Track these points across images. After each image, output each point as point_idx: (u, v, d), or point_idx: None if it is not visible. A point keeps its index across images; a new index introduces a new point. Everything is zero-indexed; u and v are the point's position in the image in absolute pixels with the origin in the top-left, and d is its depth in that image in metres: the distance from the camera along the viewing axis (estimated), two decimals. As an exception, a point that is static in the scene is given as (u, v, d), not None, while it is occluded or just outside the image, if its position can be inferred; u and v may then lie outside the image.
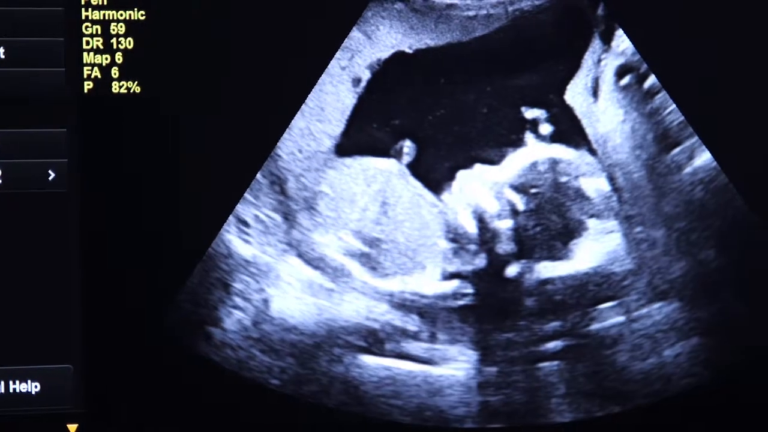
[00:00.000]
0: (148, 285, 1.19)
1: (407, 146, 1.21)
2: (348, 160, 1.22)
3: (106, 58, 1.17)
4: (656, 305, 1.22)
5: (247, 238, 1.21)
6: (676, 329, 1.22)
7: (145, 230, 1.19)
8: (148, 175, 1.18)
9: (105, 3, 1.17)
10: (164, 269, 1.19)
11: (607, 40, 1.22)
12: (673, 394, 1.22)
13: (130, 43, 1.18)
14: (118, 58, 1.18)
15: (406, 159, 1.22)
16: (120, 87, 1.18)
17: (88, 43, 1.17)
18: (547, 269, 1.22)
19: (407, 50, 1.22)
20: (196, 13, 1.17)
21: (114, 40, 1.18)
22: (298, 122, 1.21)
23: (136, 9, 1.17)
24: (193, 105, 1.18)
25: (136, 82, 1.18)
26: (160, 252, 1.19)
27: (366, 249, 1.22)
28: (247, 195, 1.21)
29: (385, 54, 1.22)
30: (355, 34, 1.21)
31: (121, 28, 1.18)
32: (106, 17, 1.17)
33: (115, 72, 1.17)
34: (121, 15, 1.17)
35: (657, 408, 1.23)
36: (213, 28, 1.18)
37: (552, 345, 1.22)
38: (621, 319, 1.22)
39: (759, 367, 1.22)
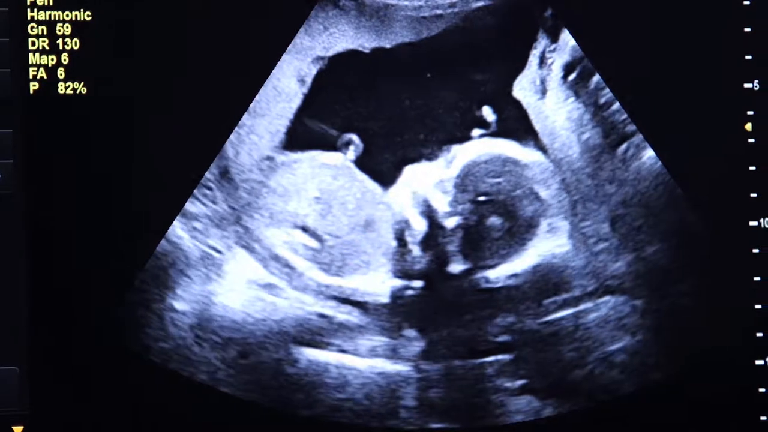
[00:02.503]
0: (95, 286, 1.18)
1: (354, 142, 1.21)
2: (295, 155, 1.22)
3: (52, 59, 1.17)
4: (603, 300, 1.22)
5: (194, 234, 1.20)
6: (624, 325, 1.22)
7: (91, 231, 1.18)
8: (94, 176, 1.18)
9: (51, 3, 1.17)
10: (111, 270, 1.18)
11: (554, 38, 1.23)
12: (620, 391, 1.22)
13: (76, 44, 1.18)
14: (64, 58, 1.18)
15: (353, 155, 1.22)
16: (66, 88, 1.17)
17: (33, 43, 1.17)
18: (494, 266, 1.22)
19: (355, 48, 1.22)
20: (142, 14, 1.18)
21: (60, 41, 1.18)
22: (246, 119, 1.21)
23: (82, 10, 1.18)
24: (138, 105, 1.18)
25: (82, 83, 1.18)
26: (107, 254, 1.18)
27: (313, 244, 1.21)
28: (195, 191, 1.20)
29: (332, 52, 1.22)
30: (303, 32, 1.22)
31: (67, 29, 1.18)
32: (52, 18, 1.17)
33: (61, 73, 1.17)
34: (68, 15, 1.18)
35: (604, 404, 1.22)
36: (159, 29, 1.18)
37: (499, 341, 1.22)
38: (569, 314, 1.22)
39: (706, 362, 1.22)
